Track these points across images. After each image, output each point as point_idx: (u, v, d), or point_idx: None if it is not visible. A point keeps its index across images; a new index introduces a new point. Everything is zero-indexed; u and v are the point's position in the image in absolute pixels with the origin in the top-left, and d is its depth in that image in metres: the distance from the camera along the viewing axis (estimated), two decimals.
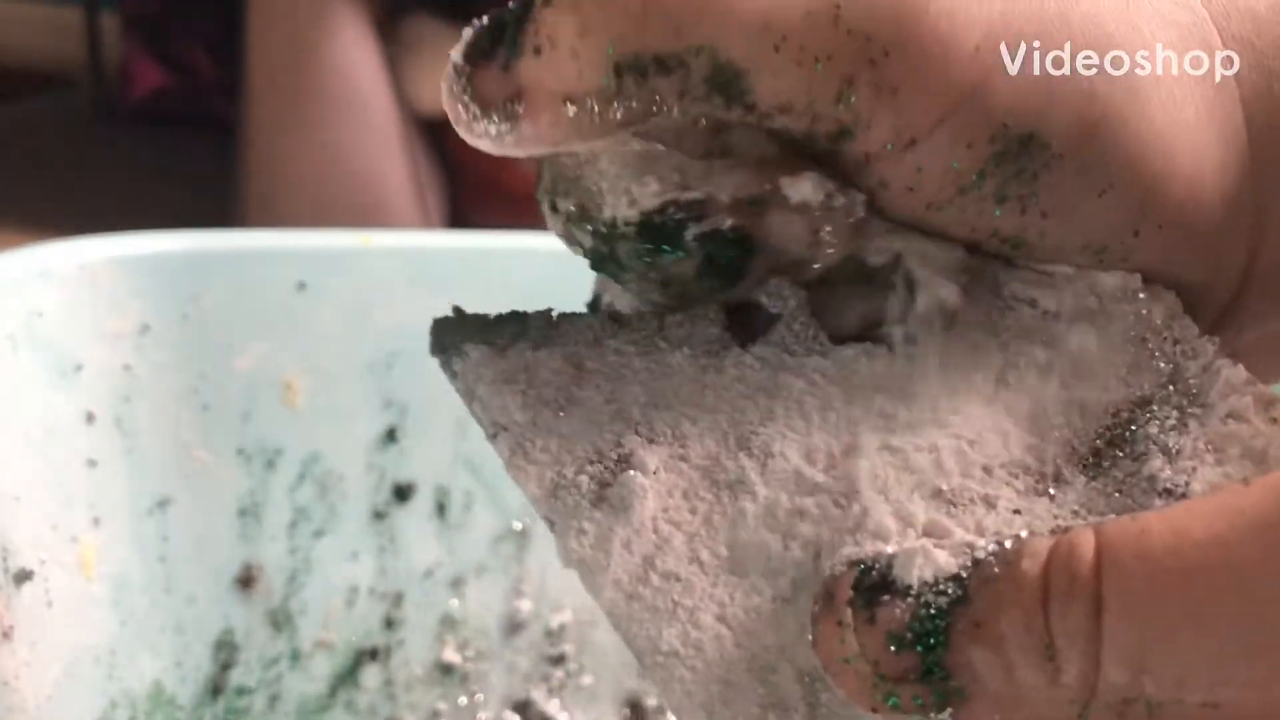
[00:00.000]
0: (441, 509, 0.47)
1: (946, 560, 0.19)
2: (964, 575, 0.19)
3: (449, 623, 0.48)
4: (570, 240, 0.24)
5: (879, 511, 0.22)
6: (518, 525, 0.48)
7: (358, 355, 0.45)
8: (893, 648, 0.19)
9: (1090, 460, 0.22)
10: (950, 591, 0.19)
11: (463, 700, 0.48)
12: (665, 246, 0.23)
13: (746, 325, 0.24)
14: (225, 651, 0.44)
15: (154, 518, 0.42)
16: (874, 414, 0.23)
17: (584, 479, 0.23)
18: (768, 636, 0.21)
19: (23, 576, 0.37)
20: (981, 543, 0.19)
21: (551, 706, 0.49)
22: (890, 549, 0.20)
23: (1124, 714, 0.18)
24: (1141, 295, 0.24)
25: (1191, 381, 0.23)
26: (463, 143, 0.25)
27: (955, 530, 0.21)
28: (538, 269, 0.47)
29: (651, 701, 0.50)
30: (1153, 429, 0.22)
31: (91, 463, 0.40)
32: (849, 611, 0.19)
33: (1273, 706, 0.17)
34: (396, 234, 0.48)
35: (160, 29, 1.06)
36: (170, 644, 0.42)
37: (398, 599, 0.47)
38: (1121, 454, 0.22)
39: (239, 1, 0.77)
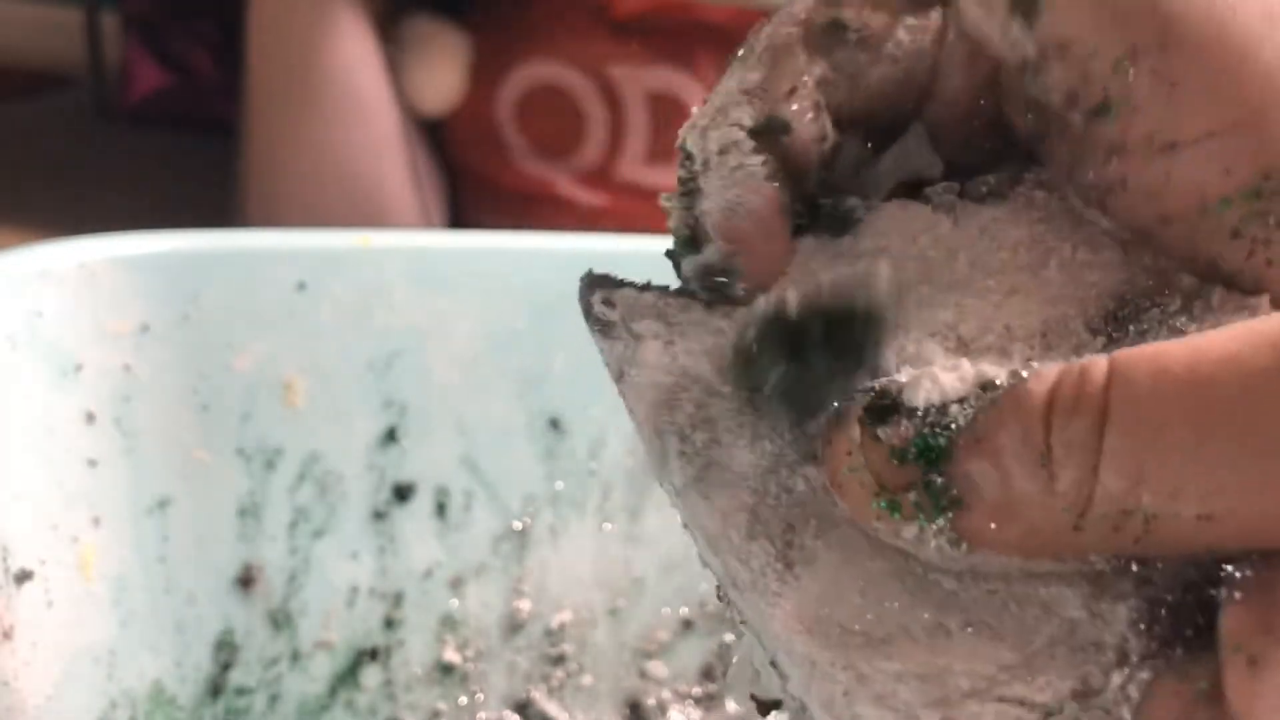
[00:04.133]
0: (441, 509, 0.47)
1: (953, 385, 0.20)
2: (970, 398, 0.20)
3: (449, 623, 0.48)
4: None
5: (897, 344, 0.22)
6: (518, 525, 0.48)
7: (358, 355, 0.45)
8: (895, 461, 0.20)
9: (1102, 329, 0.23)
10: (953, 412, 0.20)
11: (463, 700, 0.48)
12: None
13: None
14: (225, 651, 0.44)
15: (154, 518, 0.42)
16: (911, 256, 0.24)
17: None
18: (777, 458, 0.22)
19: (23, 576, 0.37)
20: (991, 371, 0.20)
21: (551, 706, 0.49)
22: (902, 378, 0.21)
23: (1120, 526, 0.19)
24: None
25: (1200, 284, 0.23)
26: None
27: (965, 361, 0.21)
28: (538, 269, 0.47)
29: (651, 701, 0.50)
30: (1155, 312, 0.23)
31: (91, 463, 0.40)
32: (858, 428, 0.20)
33: (1264, 516, 0.18)
34: (396, 234, 0.48)
35: (160, 29, 1.06)
36: (170, 644, 0.42)
37: (398, 599, 0.47)
38: (1131, 329, 0.23)
39: (239, 1, 0.77)
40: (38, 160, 1.00)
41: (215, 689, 0.44)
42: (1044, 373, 0.19)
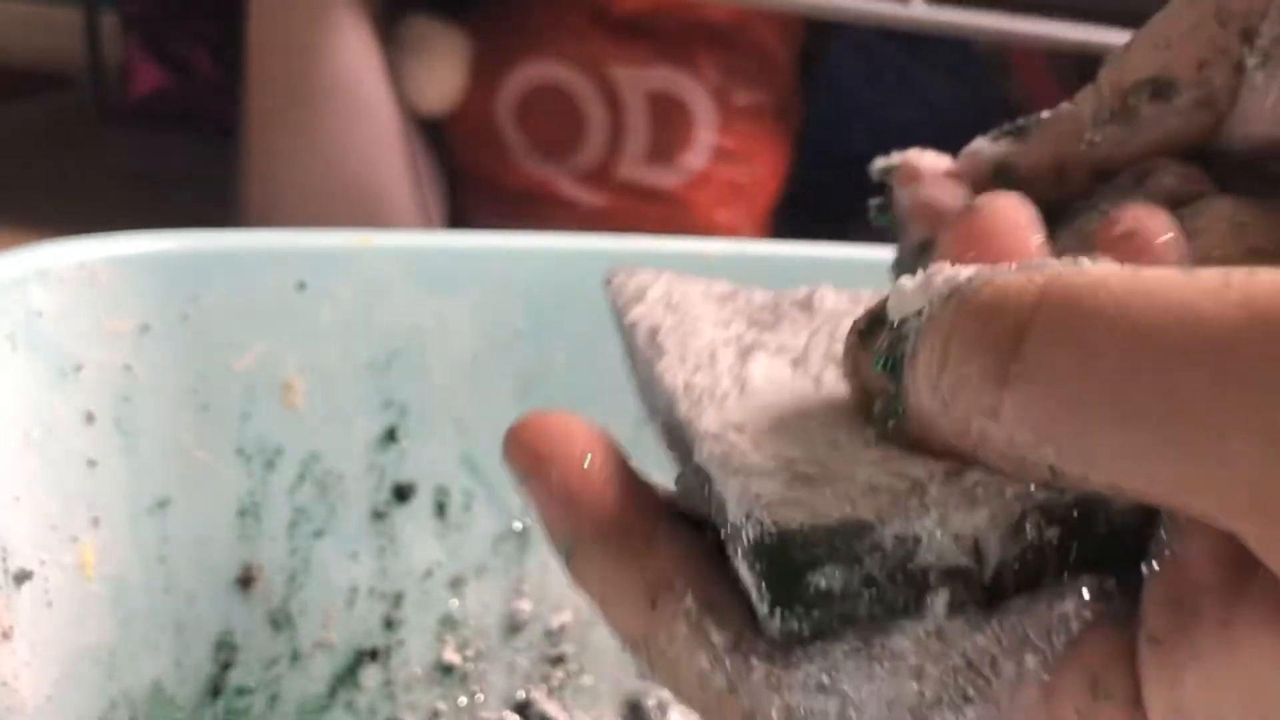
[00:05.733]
0: (441, 509, 0.47)
1: (917, 295, 0.20)
2: (923, 310, 0.20)
3: (449, 623, 0.48)
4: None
5: None
6: (518, 525, 0.48)
7: (358, 355, 0.45)
8: (876, 369, 0.21)
9: None
10: (910, 325, 0.20)
11: (463, 700, 0.48)
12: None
13: None
14: (225, 651, 0.44)
15: (154, 518, 0.42)
16: None
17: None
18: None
19: (23, 576, 0.37)
20: (964, 275, 0.19)
21: (551, 706, 0.49)
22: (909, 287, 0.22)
23: (1022, 470, 0.18)
24: None
25: None
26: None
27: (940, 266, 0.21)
28: (538, 269, 0.47)
29: (651, 701, 0.50)
30: None
31: (91, 463, 0.40)
32: (855, 337, 0.22)
33: (1192, 491, 0.16)
34: (396, 234, 0.48)
35: (160, 29, 1.06)
36: (170, 644, 0.42)
37: (398, 599, 0.47)
38: None
39: (239, 1, 0.77)
40: (37, 160, 1.00)
41: (215, 689, 0.44)
42: (997, 283, 0.18)
